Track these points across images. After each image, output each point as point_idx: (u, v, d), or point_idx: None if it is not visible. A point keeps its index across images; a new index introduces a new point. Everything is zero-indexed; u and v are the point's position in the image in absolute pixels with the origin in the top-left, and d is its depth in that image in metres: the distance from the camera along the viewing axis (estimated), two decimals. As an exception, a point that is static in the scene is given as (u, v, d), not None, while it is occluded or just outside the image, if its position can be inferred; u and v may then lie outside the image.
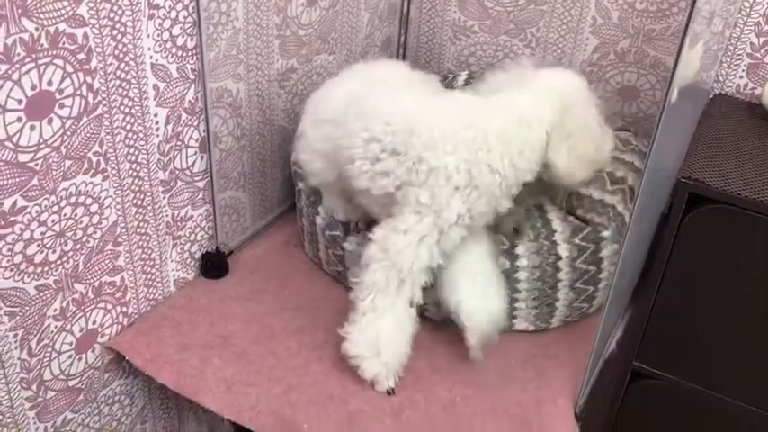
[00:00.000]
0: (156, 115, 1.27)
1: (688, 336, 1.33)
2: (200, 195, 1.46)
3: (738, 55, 1.61)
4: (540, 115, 1.23)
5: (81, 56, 1.09)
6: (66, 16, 1.04)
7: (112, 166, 1.22)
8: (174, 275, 1.46)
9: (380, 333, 1.18)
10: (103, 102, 1.16)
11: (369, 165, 1.23)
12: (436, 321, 1.36)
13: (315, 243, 1.49)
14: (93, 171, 1.18)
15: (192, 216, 1.45)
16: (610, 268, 1.39)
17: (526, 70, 1.34)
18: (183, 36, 1.27)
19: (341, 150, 1.29)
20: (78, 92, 1.11)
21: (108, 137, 1.19)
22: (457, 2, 1.87)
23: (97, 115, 1.15)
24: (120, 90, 1.18)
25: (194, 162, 1.41)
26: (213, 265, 1.51)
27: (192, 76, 1.32)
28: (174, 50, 1.26)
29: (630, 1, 1.67)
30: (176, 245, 1.44)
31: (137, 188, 1.29)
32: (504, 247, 1.32)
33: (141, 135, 1.26)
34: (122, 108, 1.20)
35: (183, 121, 1.34)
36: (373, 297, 1.17)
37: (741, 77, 1.62)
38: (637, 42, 1.71)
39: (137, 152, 1.26)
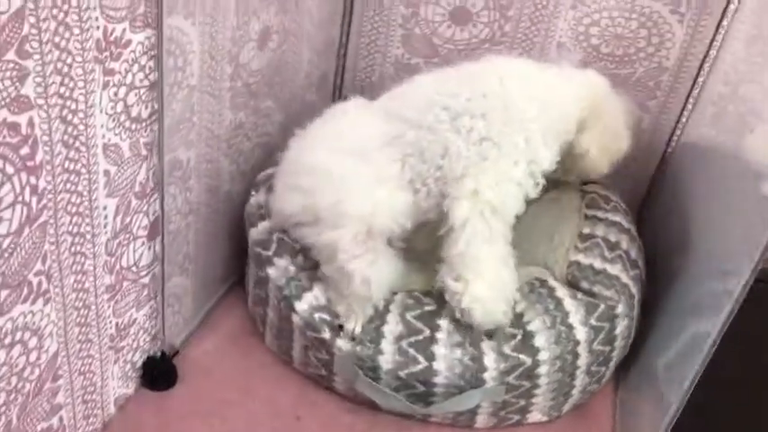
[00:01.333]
0: (105, 208, 0.98)
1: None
2: (146, 292, 1.16)
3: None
4: (580, 95, 1.28)
5: (24, 150, 0.79)
6: (7, 100, 0.74)
7: (56, 284, 0.91)
8: (114, 394, 1.15)
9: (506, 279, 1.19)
10: (49, 204, 0.85)
11: (463, 143, 1.18)
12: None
13: (286, 339, 1.25)
14: (33, 297, 0.87)
15: (135, 319, 1.16)
16: (620, 344, 1.27)
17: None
18: (137, 104, 0.98)
19: (429, 148, 1.19)
20: (20, 198, 0.80)
21: (52, 248, 0.89)
22: (401, 37, 1.68)
23: (41, 223, 0.85)
24: (69, 185, 0.88)
25: (141, 255, 1.11)
26: (161, 373, 1.22)
27: (144, 152, 1.03)
28: (127, 124, 0.97)
29: (595, 44, 1.57)
30: (118, 359, 1.14)
31: (80, 303, 0.99)
32: (516, 342, 1.16)
33: (89, 237, 0.96)
34: (69, 208, 0.90)
35: (133, 208, 1.05)
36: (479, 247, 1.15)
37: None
38: (600, 87, 1.61)
39: (83, 259, 0.96)
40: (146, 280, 1.15)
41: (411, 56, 1.70)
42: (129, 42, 0.92)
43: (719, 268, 1.27)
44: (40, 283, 0.88)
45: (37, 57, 0.76)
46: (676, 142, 1.59)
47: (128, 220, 1.04)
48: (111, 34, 0.88)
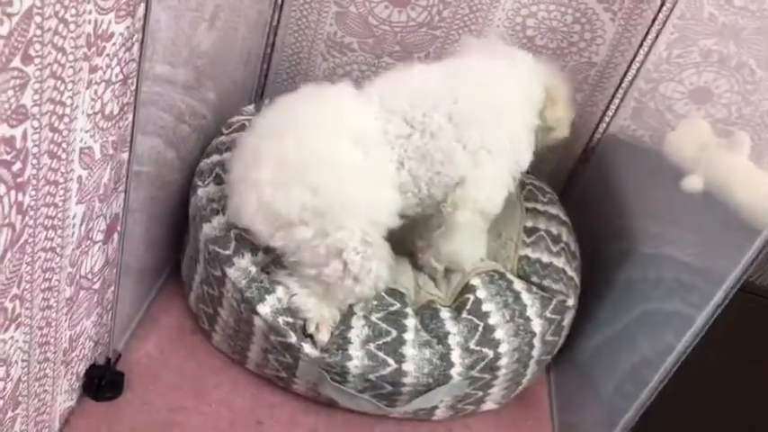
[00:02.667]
0: (74, 217, 0.87)
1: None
2: (95, 299, 1.06)
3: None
4: (539, 78, 1.30)
5: (16, 166, 0.68)
6: (8, 113, 0.63)
7: (27, 306, 0.81)
8: (59, 410, 1.05)
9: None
10: (30, 222, 0.75)
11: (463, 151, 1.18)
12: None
13: (242, 341, 1.19)
14: (7, 324, 0.77)
15: (85, 328, 1.06)
16: (565, 333, 1.34)
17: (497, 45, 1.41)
18: (111, 101, 0.88)
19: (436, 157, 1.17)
20: (7, 220, 0.70)
21: (28, 268, 0.78)
22: (334, 15, 1.62)
23: (21, 244, 0.75)
24: (48, 198, 0.78)
25: (96, 260, 1.01)
26: (108, 382, 1.13)
27: (111, 151, 0.93)
28: (101, 123, 0.87)
29: (530, 35, 1.60)
30: (67, 372, 1.04)
31: (44, 322, 0.88)
32: (479, 336, 1.19)
33: (58, 250, 0.86)
34: (47, 222, 0.80)
35: (96, 212, 0.95)
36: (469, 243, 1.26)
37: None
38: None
39: (51, 275, 0.86)
40: (96, 286, 1.05)
41: (344, 34, 1.64)
42: (111, 35, 0.81)
43: (643, 256, 1.36)
44: (14, 309, 0.78)
45: (38, 60, 0.66)
46: (601, 134, 1.67)
47: (90, 225, 0.94)
48: (100, 27, 0.77)
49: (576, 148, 1.72)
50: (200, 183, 1.26)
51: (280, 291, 1.14)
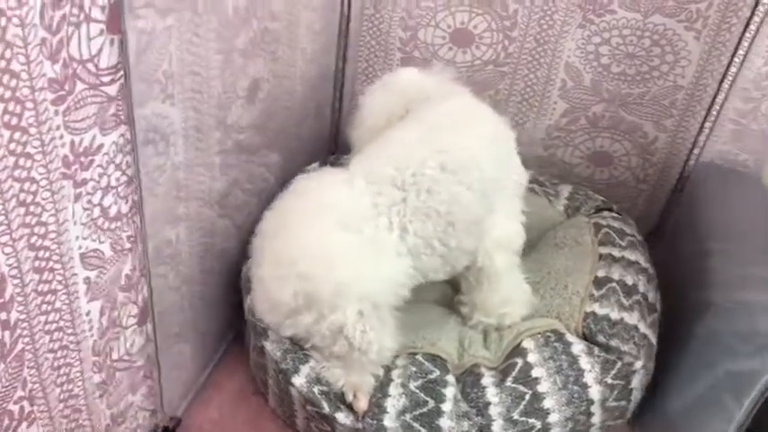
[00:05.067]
0: (88, 313, 0.93)
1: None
2: (141, 374, 1.13)
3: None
4: None
5: (-8, 292, 0.74)
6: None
7: (40, 403, 0.88)
8: (117, 478, 1.13)
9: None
10: (24, 333, 0.81)
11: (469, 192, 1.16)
12: None
13: (288, 407, 1.21)
14: (15, 424, 0.84)
15: (132, 402, 1.12)
16: (636, 396, 1.22)
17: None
18: (116, 203, 0.93)
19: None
20: (-9, 339, 0.76)
21: (32, 371, 0.84)
22: (400, 60, 1.60)
23: (17, 354, 0.81)
24: (45, 306, 0.84)
25: (133, 342, 1.07)
26: (163, 449, 1.19)
27: (127, 245, 0.98)
28: (106, 225, 0.92)
29: (606, 63, 1.48)
30: (117, 445, 1.11)
31: (69, 410, 0.95)
32: (525, 405, 1.12)
33: (72, 345, 0.92)
34: (47, 327, 0.86)
35: (120, 302, 1.00)
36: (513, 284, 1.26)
37: (727, 146, 1.50)
38: (611, 107, 1.53)
39: (68, 369, 0.92)
40: (140, 362, 1.11)
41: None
42: (100, 146, 0.86)
43: (747, 304, 1.21)
44: (21, 409, 0.84)
45: (-6, 198, 0.71)
46: (694, 162, 1.51)
47: (115, 314, 1.00)
48: (80, 145, 0.82)
49: (670, 178, 1.57)
50: (250, 254, 1.29)
51: (314, 360, 1.14)
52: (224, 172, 1.22)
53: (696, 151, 1.50)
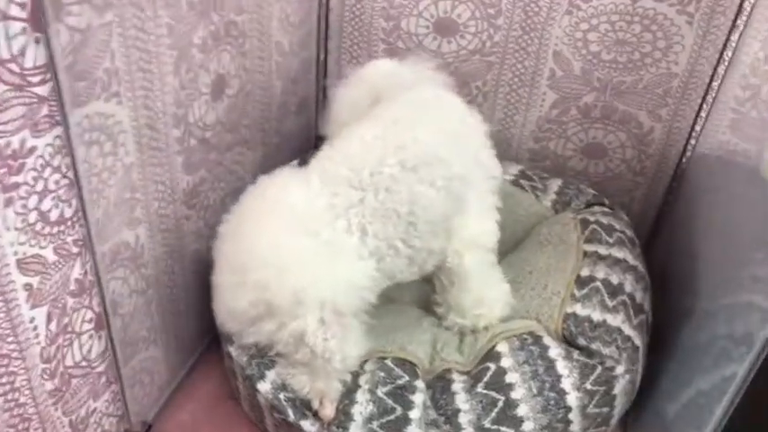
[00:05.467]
0: (32, 320, 0.90)
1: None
2: (103, 380, 1.10)
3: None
4: None
5: None
6: None
7: (-21, 414, 0.85)
8: (81, 485, 1.11)
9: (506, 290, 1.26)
10: (-48, 343, 0.78)
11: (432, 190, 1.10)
12: None
13: (258, 411, 1.17)
14: (-50, 436, 0.81)
15: (94, 409, 1.10)
16: (622, 401, 1.17)
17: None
18: (57, 207, 0.90)
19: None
20: None
21: (-34, 382, 0.82)
22: (383, 52, 1.55)
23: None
24: (-24, 316, 0.81)
25: (91, 347, 1.05)
26: (130, 456, 1.17)
27: (75, 249, 0.95)
28: (47, 230, 0.89)
29: (595, 51, 1.41)
30: (80, 451, 1.08)
31: (16, 419, 0.93)
32: (497, 413, 1.06)
33: (15, 354, 0.89)
34: (-18, 337, 0.83)
35: (71, 307, 0.98)
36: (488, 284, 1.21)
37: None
38: (603, 96, 1.46)
39: (12, 377, 0.90)
40: (101, 368, 1.08)
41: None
42: (33, 149, 0.83)
43: (747, 303, 1.14)
44: (-43, 421, 0.82)
45: None
46: (691, 153, 1.44)
47: (65, 320, 0.97)
48: (8, 148, 0.79)
49: (667, 171, 1.50)
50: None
51: (279, 366, 1.11)
52: (189, 171, 1.19)
53: (693, 141, 1.43)
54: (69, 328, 0.99)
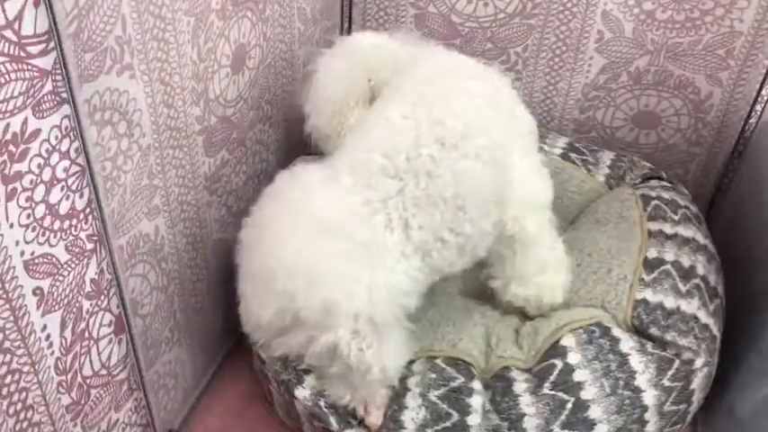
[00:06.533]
0: (44, 328, 0.79)
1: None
2: (125, 387, 0.99)
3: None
4: None
5: None
6: None
7: (-13, 438, 0.74)
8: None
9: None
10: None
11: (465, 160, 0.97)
12: None
13: (296, 420, 1.06)
14: (-45, 467, 0.71)
15: (116, 420, 0.99)
16: (699, 396, 1.05)
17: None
18: (67, 198, 0.78)
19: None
20: None
21: (-29, 405, 0.71)
22: (414, 18, 1.42)
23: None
24: (-21, 328, 0.70)
25: (110, 353, 0.94)
26: (158, 467, 1.06)
27: (89, 246, 0.84)
28: (57, 225, 0.77)
29: (649, 10, 1.28)
30: (102, 467, 0.98)
31: (32, 440, 0.82)
32: (567, 416, 0.95)
33: (26, 368, 0.78)
34: (-13, 351, 0.72)
35: (87, 311, 0.86)
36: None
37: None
38: (657, 60, 1.33)
39: (24, 394, 0.78)
40: (122, 375, 0.98)
41: (428, 37, 1.43)
42: (36, 132, 0.71)
43: None
44: (-38, 449, 0.71)
45: None
46: (756, 121, 1.31)
47: (82, 326, 0.86)
48: (6, 132, 0.67)
49: (728, 140, 1.37)
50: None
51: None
52: (210, 153, 1.07)
53: (759, 108, 1.30)
54: (86, 334, 0.87)
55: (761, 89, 1.29)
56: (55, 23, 0.68)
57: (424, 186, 0.94)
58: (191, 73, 0.96)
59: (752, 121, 1.32)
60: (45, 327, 0.79)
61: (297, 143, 1.31)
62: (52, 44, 0.69)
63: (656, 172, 1.32)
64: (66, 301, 0.82)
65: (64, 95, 0.73)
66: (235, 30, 1.04)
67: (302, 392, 0.99)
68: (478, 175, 0.98)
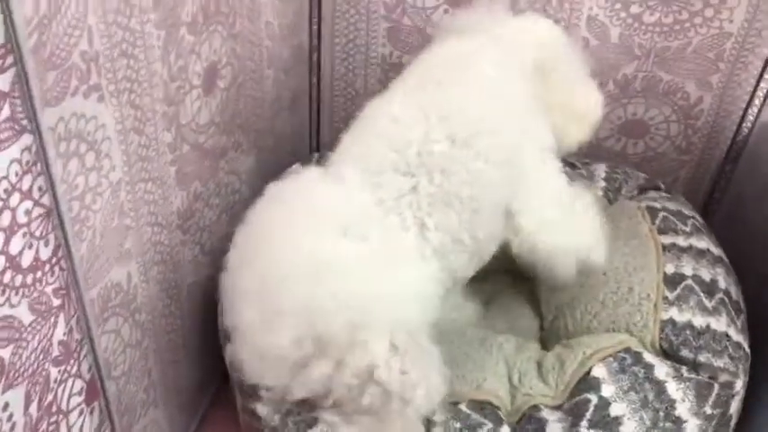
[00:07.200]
0: (5, 407, 0.65)
1: None
2: (98, 463, 0.84)
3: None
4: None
5: None
6: None
7: None
8: None
9: None
10: None
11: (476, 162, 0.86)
12: None
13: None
14: None
15: (91, 504, 0.84)
16: (734, 420, 0.97)
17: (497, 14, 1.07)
18: (30, 247, 0.64)
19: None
20: None
21: None
22: (386, 32, 1.33)
23: None
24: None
25: (82, 426, 0.80)
26: None
27: (56, 302, 0.70)
28: (17, 281, 0.63)
29: (636, 13, 1.22)
30: None
31: None
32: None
33: (-14, 460, 0.63)
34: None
35: (54, 379, 0.72)
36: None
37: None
38: (645, 66, 1.27)
39: (-17, 493, 0.64)
40: (95, 449, 0.83)
41: (402, 53, 1.34)
42: (-10, 169, 0.58)
43: None
44: None
45: None
46: (752, 124, 1.26)
47: (49, 398, 0.72)
48: (-46, 169, 0.54)
49: (719, 146, 1.32)
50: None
51: (323, 424, 0.86)
52: (182, 185, 0.94)
53: (755, 109, 1.26)
54: (54, 408, 0.73)
55: (756, 90, 1.24)
56: (15, 33, 0.55)
57: (439, 183, 0.84)
58: (162, 94, 0.83)
59: (745, 125, 1.27)
60: (7, 405, 0.65)
61: (270, 172, 1.19)
62: (10, 59, 0.56)
63: (652, 182, 1.25)
64: (30, 370, 0.68)
65: (24, 123, 0.60)
66: (206, 45, 0.93)
67: (310, 453, 0.86)
68: (490, 175, 0.88)
